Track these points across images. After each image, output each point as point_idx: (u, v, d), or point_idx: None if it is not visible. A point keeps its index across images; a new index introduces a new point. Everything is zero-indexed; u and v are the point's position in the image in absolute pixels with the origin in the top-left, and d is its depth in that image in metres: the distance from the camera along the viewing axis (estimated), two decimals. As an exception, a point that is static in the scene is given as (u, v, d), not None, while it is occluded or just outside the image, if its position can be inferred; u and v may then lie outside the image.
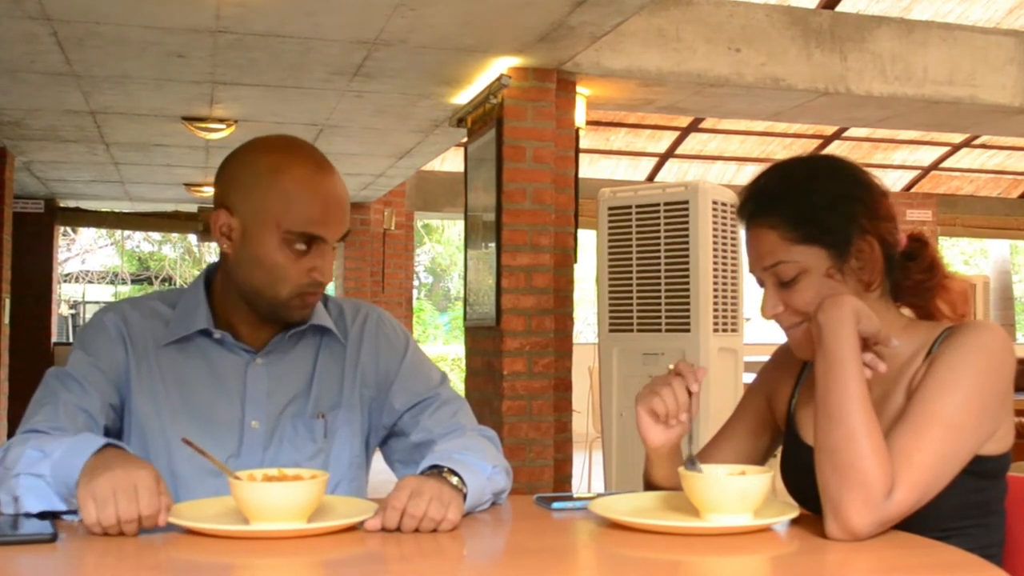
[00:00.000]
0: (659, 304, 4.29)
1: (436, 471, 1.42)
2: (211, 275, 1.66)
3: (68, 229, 16.16)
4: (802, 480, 1.47)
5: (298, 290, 1.55)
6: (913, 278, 1.49)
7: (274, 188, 1.50)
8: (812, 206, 1.42)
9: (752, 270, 1.48)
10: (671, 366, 1.48)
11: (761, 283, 1.48)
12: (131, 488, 1.24)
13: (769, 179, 1.49)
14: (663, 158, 9.20)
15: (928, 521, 1.31)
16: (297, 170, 1.51)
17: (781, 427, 1.60)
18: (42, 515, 1.31)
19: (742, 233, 1.50)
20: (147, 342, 1.60)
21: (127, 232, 18.22)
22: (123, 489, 1.24)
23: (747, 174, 9.41)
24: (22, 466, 1.36)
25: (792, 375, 1.59)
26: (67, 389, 1.54)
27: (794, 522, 1.35)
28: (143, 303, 1.65)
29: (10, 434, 7.15)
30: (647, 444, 1.52)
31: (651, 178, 9.39)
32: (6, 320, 6.93)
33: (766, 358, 1.70)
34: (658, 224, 4.28)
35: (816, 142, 8.82)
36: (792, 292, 1.43)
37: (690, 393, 1.46)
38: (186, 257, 20.56)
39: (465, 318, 5.38)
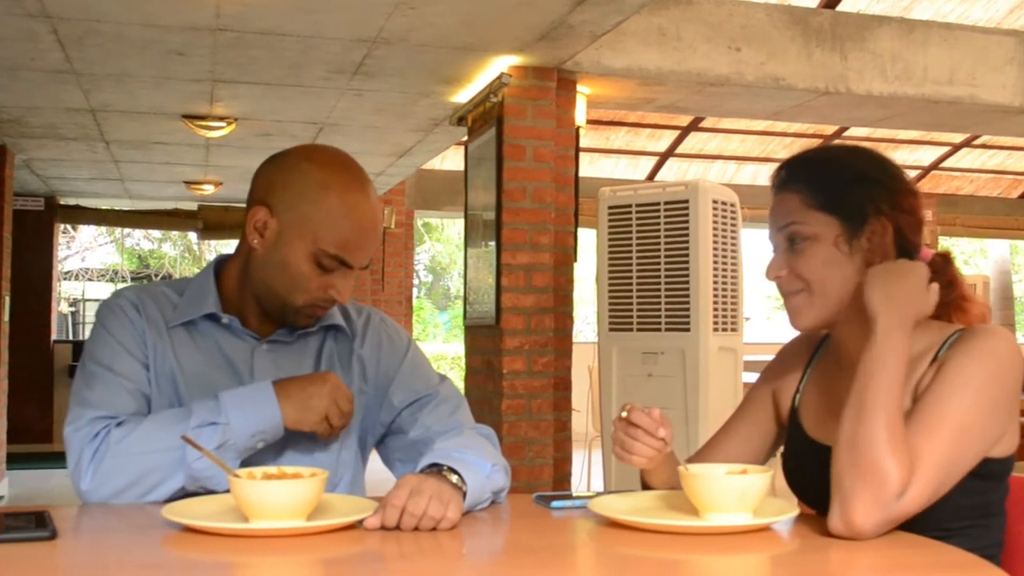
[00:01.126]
0: (659, 303, 4.29)
1: (436, 469, 1.42)
2: (220, 265, 1.68)
3: (68, 227, 16.15)
4: (804, 474, 1.47)
5: (312, 301, 1.59)
6: None
7: (321, 205, 1.54)
8: (837, 177, 1.47)
9: (770, 236, 1.52)
10: (623, 414, 1.50)
11: (776, 248, 1.51)
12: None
13: (808, 153, 1.55)
14: (663, 157, 9.20)
15: (929, 521, 1.31)
16: (346, 194, 1.56)
17: (785, 422, 1.60)
18: (39, 515, 1.31)
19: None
20: (159, 322, 1.62)
21: (127, 230, 18.23)
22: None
23: (747, 173, 9.42)
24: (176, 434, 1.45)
25: (798, 371, 1.60)
26: (120, 375, 1.56)
27: (794, 521, 1.35)
28: (151, 287, 1.69)
29: (10, 433, 7.16)
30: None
31: (651, 177, 9.39)
32: (6, 318, 6.92)
33: (766, 357, 1.70)
34: (658, 223, 4.28)
35: (816, 142, 8.80)
36: (799, 257, 1.46)
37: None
38: (186, 255, 20.57)
39: (465, 317, 5.37)
